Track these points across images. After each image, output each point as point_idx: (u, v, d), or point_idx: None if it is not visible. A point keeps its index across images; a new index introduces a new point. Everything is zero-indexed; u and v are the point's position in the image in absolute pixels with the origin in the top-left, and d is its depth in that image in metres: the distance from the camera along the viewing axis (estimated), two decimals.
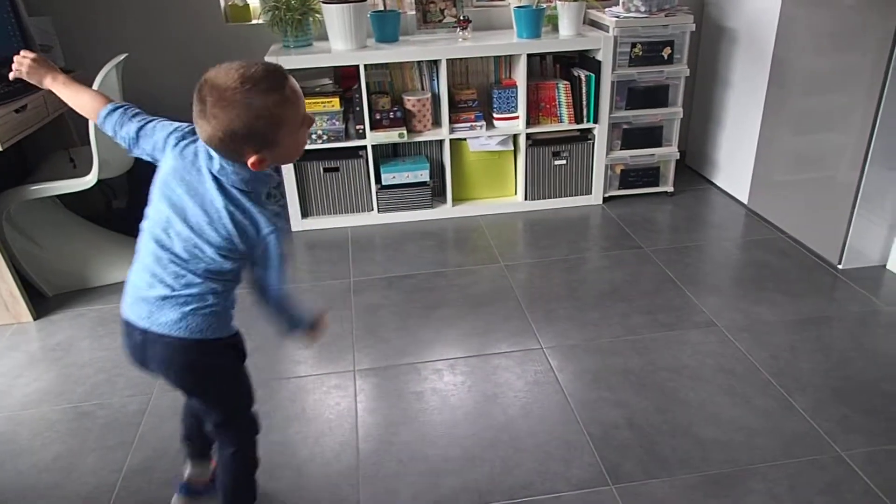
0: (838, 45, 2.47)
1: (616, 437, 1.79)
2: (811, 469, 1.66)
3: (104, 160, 2.38)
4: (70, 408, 1.98)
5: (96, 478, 1.72)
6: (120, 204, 3.15)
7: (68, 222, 2.76)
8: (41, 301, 2.53)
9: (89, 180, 2.41)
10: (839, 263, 2.57)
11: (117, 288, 2.62)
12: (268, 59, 2.77)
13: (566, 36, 3.00)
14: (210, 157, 1.19)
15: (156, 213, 1.24)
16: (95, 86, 2.26)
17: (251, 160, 1.15)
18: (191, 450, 1.62)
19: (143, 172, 2.78)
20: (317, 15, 2.91)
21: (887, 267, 2.55)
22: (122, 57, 2.45)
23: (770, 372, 2.02)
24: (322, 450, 1.79)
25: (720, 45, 3.22)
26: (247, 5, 3.16)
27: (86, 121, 2.30)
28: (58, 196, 2.64)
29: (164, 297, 1.23)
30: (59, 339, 2.33)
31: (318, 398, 1.99)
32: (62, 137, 2.91)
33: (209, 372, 1.33)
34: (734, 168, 3.22)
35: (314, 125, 2.95)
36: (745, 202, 3.14)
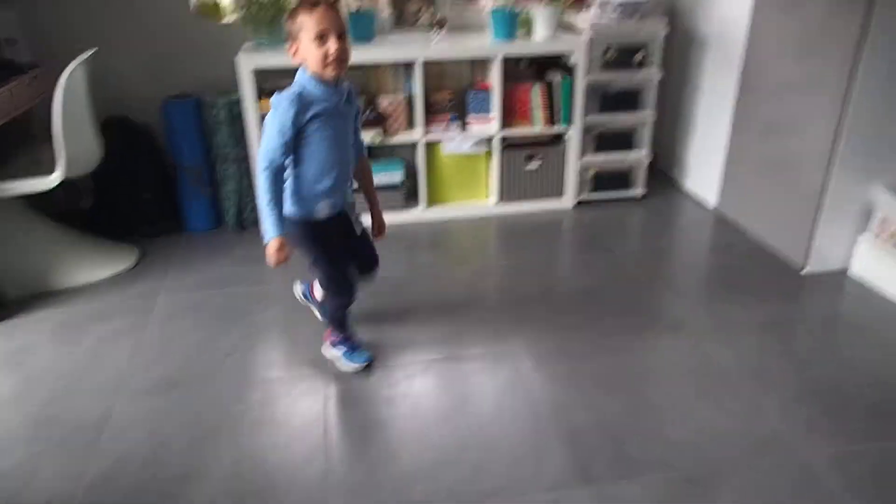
0: (805, 52, 2.52)
1: (588, 439, 1.79)
2: (779, 470, 1.69)
3: (70, 158, 2.32)
4: (30, 414, 1.93)
5: (56, 486, 1.67)
6: (86, 204, 3.07)
7: (31, 222, 2.68)
8: (1, 304, 2.45)
9: (54, 179, 2.35)
10: (804, 267, 2.61)
11: (81, 291, 2.57)
12: (241, 56, 2.72)
13: (541, 39, 3.02)
14: None
15: None
16: (62, 81, 2.20)
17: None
18: None
19: (109, 172, 2.74)
20: None
21: (850, 271, 2.61)
22: (90, 52, 2.39)
23: (738, 374, 2.04)
24: (292, 455, 1.76)
25: (691, 51, 3.26)
26: (216, 3, 3.11)
27: (51, 118, 2.25)
28: (21, 195, 2.57)
29: None
30: (19, 344, 2.26)
31: (288, 403, 1.96)
32: (27, 134, 2.83)
33: None
34: (703, 172, 3.27)
35: None
36: (714, 206, 3.19)
